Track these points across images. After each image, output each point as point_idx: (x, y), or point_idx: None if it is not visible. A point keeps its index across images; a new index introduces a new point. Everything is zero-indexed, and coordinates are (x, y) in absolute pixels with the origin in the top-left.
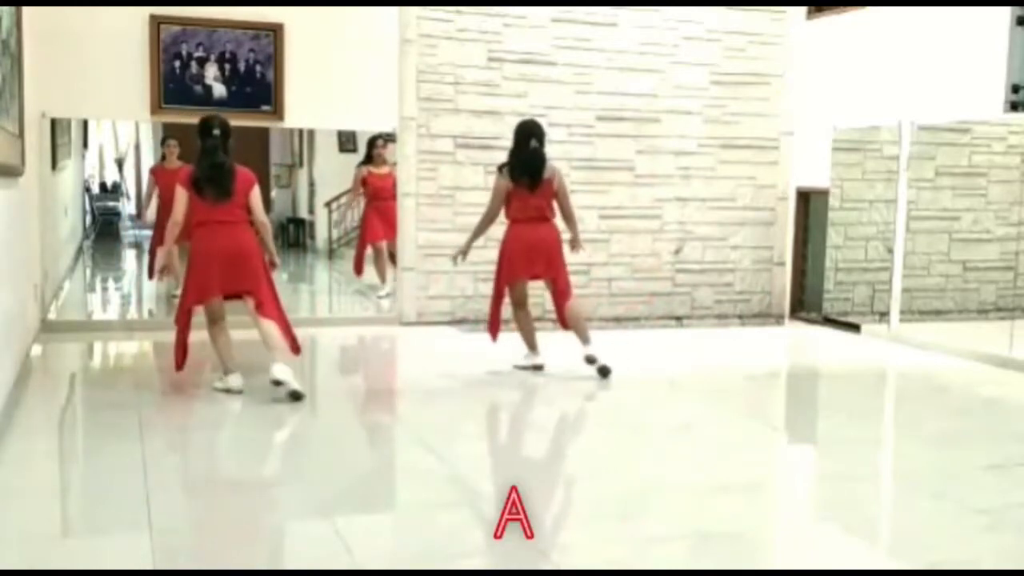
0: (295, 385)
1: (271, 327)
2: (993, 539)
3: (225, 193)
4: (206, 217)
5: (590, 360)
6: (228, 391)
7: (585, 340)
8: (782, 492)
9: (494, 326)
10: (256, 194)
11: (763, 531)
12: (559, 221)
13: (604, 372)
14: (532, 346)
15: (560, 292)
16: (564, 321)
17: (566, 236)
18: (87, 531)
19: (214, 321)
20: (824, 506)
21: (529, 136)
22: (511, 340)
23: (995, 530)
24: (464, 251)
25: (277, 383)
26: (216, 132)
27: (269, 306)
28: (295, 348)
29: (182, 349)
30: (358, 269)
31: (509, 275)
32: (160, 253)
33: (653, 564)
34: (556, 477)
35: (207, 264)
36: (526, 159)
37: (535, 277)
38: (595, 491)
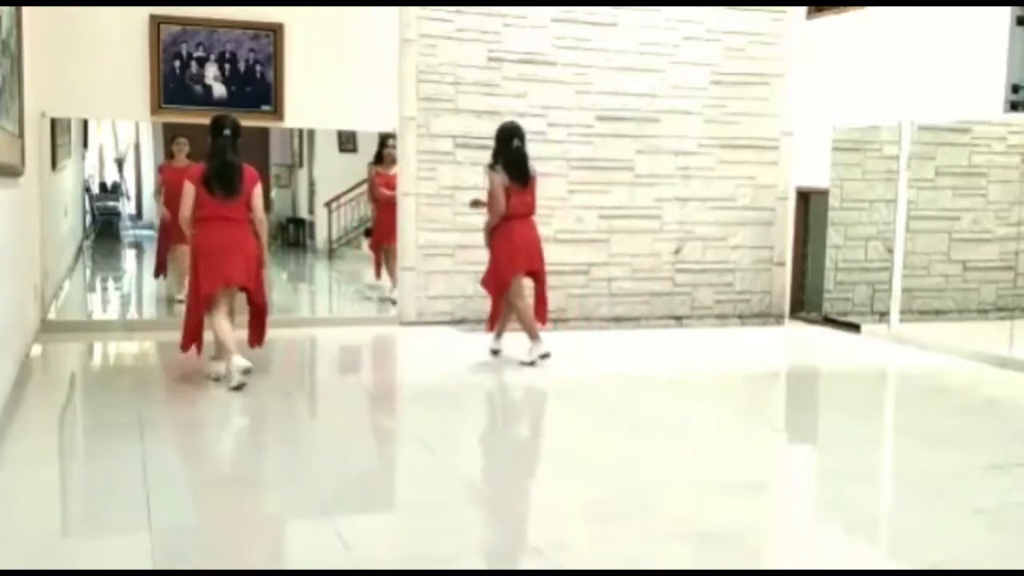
0: (241, 378)
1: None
2: (993, 539)
3: (234, 191)
4: (212, 212)
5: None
6: (218, 379)
7: (537, 336)
8: (782, 492)
9: (496, 321)
10: (258, 192)
11: (763, 531)
12: None
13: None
14: (535, 335)
15: (544, 288)
16: (543, 316)
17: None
18: (87, 531)
19: (214, 308)
20: (824, 506)
21: (512, 136)
22: (510, 338)
23: (995, 530)
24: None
25: (246, 371)
26: (227, 132)
27: (261, 298)
28: (260, 339)
29: (194, 333)
30: (378, 273)
31: (511, 269)
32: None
33: (653, 564)
34: (556, 476)
35: (209, 258)
36: (515, 158)
37: (528, 273)
38: (595, 490)
